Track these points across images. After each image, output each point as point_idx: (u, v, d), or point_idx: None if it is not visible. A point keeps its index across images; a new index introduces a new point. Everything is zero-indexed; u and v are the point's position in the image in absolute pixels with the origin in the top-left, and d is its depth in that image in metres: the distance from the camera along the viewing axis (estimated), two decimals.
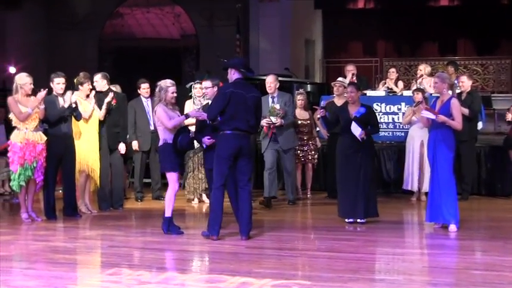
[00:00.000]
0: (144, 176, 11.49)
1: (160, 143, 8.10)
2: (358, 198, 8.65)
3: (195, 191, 10.79)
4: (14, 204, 10.72)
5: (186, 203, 10.80)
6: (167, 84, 8.07)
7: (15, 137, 8.80)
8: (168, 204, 7.98)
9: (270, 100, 10.36)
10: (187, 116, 8.18)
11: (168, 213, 7.99)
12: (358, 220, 8.73)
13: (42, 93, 8.78)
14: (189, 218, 9.73)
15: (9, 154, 8.95)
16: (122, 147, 10.11)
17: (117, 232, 8.25)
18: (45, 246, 7.35)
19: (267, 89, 10.40)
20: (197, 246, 7.46)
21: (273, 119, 10.17)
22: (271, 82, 10.41)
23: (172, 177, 7.98)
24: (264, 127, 10.21)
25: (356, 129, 8.62)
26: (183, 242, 7.63)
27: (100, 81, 9.98)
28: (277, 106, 10.20)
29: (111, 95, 9.88)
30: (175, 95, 8.09)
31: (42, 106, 8.85)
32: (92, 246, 7.62)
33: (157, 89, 8.11)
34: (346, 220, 8.81)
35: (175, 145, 7.90)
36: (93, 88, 9.81)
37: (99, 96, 9.79)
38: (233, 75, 7.82)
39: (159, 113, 7.98)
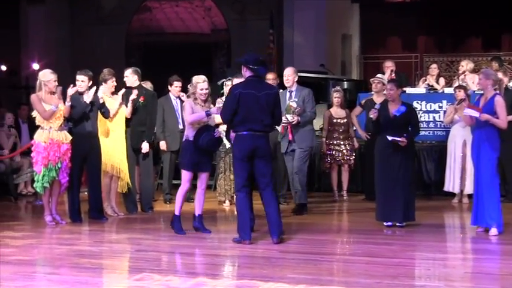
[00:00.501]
0: (174, 177, 11.23)
1: (183, 138, 8.12)
2: (397, 201, 8.45)
3: (227, 192, 10.59)
4: (38, 207, 10.57)
5: (218, 205, 10.67)
6: (197, 80, 8.01)
7: (39, 137, 8.65)
8: (176, 202, 8.08)
9: (288, 95, 9.73)
10: (207, 114, 7.96)
11: (176, 212, 8.05)
12: (397, 224, 8.53)
13: (72, 90, 8.66)
14: (220, 221, 9.61)
15: (32, 154, 8.78)
16: (144, 147, 9.84)
17: (144, 235, 8.13)
18: (69, 250, 7.23)
19: (284, 82, 9.82)
20: (228, 250, 7.31)
21: (289, 117, 9.56)
22: (288, 75, 9.78)
23: (184, 175, 8.00)
24: (281, 128, 9.64)
25: (395, 139, 8.39)
26: (214, 246, 7.54)
27: (130, 77, 9.78)
28: (294, 104, 9.59)
29: (135, 92, 9.65)
30: (205, 91, 7.96)
31: (69, 103, 8.68)
32: (119, 250, 7.49)
33: (190, 84, 8.11)
34: (385, 223, 8.61)
35: (196, 142, 7.83)
36: (123, 84, 9.62)
37: (127, 93, 9.58)
38: (245, 72, 7.58)
39: (185, 107, 8.05)
